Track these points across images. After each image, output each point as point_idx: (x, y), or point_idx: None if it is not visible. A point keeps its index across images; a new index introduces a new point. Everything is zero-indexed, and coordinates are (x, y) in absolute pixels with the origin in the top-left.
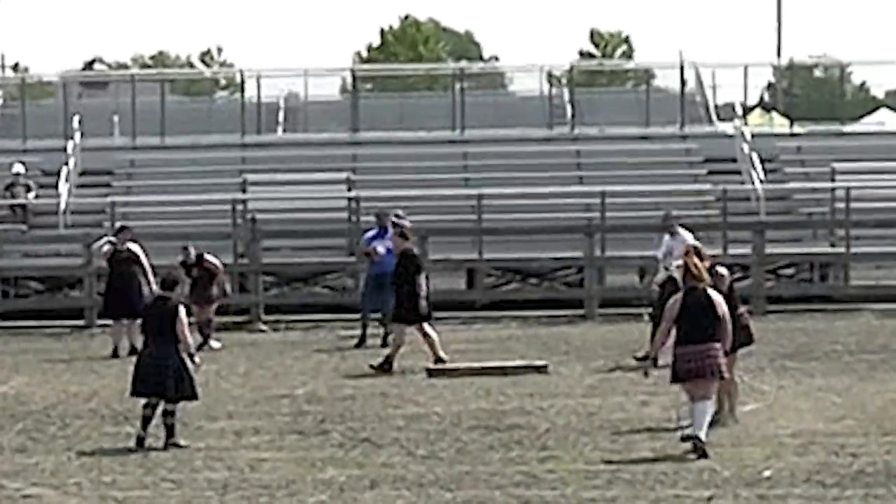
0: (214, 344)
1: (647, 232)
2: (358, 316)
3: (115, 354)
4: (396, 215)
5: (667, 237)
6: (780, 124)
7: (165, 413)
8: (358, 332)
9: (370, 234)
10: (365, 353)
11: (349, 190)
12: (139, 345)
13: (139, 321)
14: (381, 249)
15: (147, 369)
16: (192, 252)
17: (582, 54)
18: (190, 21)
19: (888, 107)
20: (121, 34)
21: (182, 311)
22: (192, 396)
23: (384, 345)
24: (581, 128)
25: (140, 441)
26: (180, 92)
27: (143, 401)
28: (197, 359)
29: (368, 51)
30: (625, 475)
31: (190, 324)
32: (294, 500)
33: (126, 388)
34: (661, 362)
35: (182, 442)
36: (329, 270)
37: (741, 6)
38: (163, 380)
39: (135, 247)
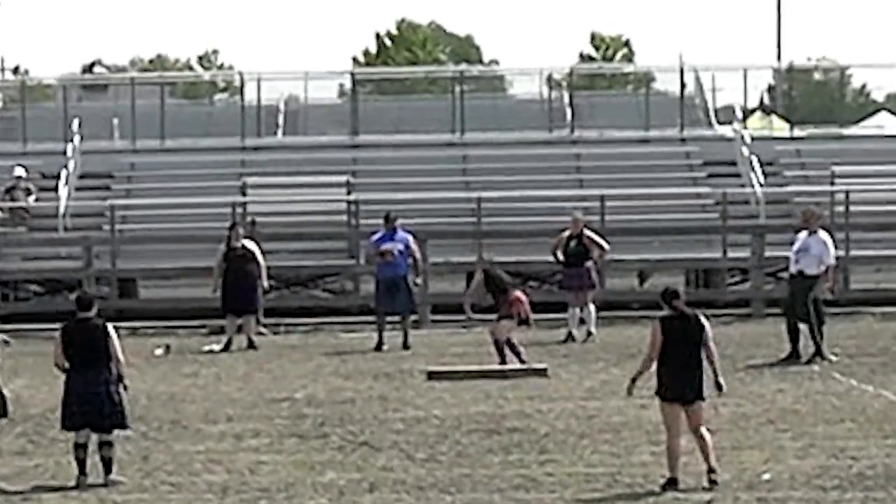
0: (214, 346)
1: (647, 235)
2: (358, 319)
3: (227, 348)
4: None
5: (804, 234)
6: (779, 127)
7: (101, 445)
8: (360, 335)
9: (377, 235)
10: (365, 356)
11: (349, 193)
12: (256, 339)
13: (254, 318)
14: (395, 251)
15: (82, 399)
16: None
17: (582, 57)
18: (189, 24)
19: (888, 110)
20: (120, 37)
21: (112, 330)
22: (124, 426)
23: (405, 347)
24: (581, 131)
25: (79, 484)
26: (180, 95)
27: (72, 440)
28: (126, 382)
29: (365, 55)
30: (624, 478)
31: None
32: (293, 503)
33: (130, 389)
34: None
35: (121, 478)
36: (328, 273)
37: (741, 9)
38: (101, 409)
39: (250, 244)
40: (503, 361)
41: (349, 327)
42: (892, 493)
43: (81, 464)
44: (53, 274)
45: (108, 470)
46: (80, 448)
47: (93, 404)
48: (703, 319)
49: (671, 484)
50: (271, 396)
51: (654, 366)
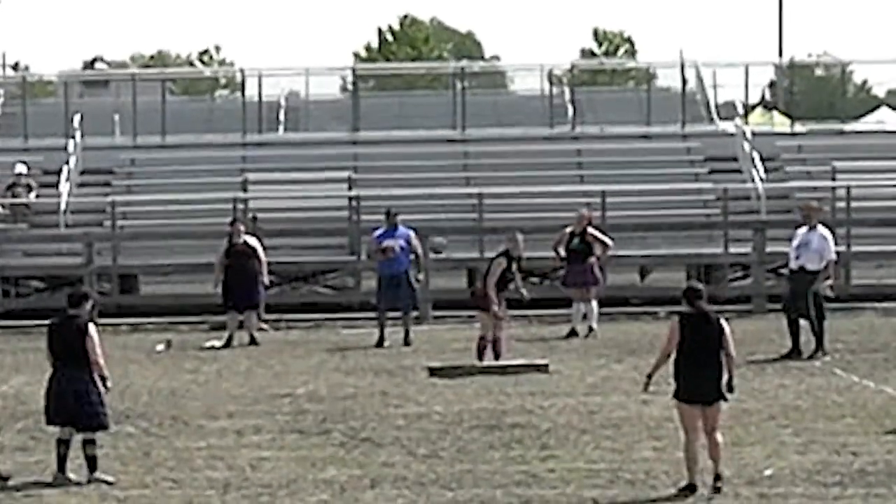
0: (215, 342)
1: (648, 231)
2: (360, 315)
3: (228, 344)
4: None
5: (804, 230)
6: (780, 123)
7: (85, 443)
8: (361, 331)
9: (378, 231)
10: (366, 352)
11: (350, 189)
12: (258, 335)
13: (255, 314)
14: (396, 248)
15: (59, 396)
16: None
17: (583, 53)
18: (190, 20)
19: (889, 105)
20: (121, 33)
21: (93, 329)
22: (103, 426)
23: (407, 343)
24: (582, 127)
25: (55, 480)
26: (181, 91)
27: (56, 434)
28: (109, 383)
29: (367, 51)
30: (625, 474)
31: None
32: (295, 499)
33: (131, 385)
34: None
35: (106, 477)
36: (330, 269)
37: (742, 5)
38: (77, 408)
39: (252, 240)
40: (497, 357)
41: (350, 323)
42: (893, 489)
43: (61, 460)
44: (54, 270)
45: (91, 468)
46: (62, 444)
47: (69, 402)
48: (722, 321)
49: (689, 490)
50: (272, 392)
51: (672, 364)
